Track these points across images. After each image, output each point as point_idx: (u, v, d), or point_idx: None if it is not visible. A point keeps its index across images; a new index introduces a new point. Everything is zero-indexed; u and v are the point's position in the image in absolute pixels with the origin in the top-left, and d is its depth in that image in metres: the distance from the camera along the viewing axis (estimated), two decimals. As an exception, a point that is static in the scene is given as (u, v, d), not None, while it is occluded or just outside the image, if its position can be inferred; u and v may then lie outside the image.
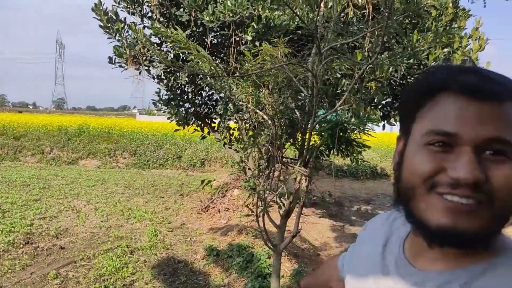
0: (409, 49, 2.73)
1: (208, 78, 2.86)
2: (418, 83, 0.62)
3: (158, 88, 5.22)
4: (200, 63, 2.45)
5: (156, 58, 4.70)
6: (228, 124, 5.55)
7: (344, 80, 3.37)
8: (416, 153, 0.59)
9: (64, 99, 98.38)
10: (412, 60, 3.68)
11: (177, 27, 3.58)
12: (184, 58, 4.67)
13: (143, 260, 4.07)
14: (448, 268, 0.59)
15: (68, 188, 7.42)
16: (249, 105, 2.40)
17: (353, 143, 2.34)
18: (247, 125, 4.95)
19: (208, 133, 5.50)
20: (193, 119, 5.41)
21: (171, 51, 4.74)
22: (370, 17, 3.16)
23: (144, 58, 4.75)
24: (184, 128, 5.42)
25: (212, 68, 2.41)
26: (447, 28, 3.85)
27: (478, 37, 4.88)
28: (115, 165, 11.94)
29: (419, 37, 3.04)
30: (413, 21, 3.55)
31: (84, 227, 4.98)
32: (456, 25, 4.38)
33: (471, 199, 0.53)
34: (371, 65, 2.19)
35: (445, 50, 4.26)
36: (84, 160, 11.90)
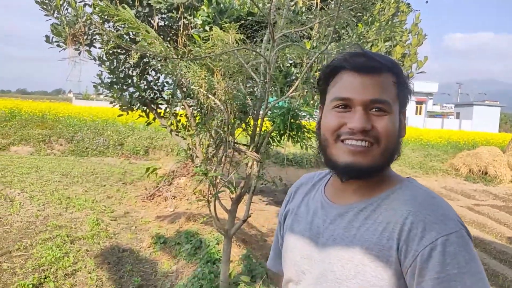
0: (356, 39, 2.83)
1: (159, 61, 2.78)
2: (327, 67, 0.87)
3: (99, 70, 4.96)
4: (151, 44, 2.36)
5: (99, 38, 4.45)
6: (175, 110, 5.42)
7: (293, 68, 3.43)
8: (327, 115, 0.84)
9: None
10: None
11: (124, 6, 3.42)
12: (129, 39, 4.48)
13: (85, 250, 3.90)
14: (362, 199, 0.84)
15: (-2, 175, 6.88)
16: (201, 90, 2.37)
17: (304, 129, 2.40)
18: (195, 112, 4.87)
19: (154, 119, 5.34)
20: (138, 104, 5.21)
21: (115, 31, 4.52)
22: (319, 8, 3.23)
23: (85, 37, 4.48)
24: (128, 113, 5.22)
25: (164, 49, 2.34)
26: (390, 22, 4.03)
27: (417, 33, 5.18)
28: (50, 152, 11.25)
29: (363, 30, 3.16)
30: (358, 14, 3.68)
31: (19, 216, 4.65)
32: (397, 20, 4.62)
33: (363, 142, 0.78)
34: (320, 54, 2.24)
35: (387, 43, 4.49)
36: (15, 147, 11.08)
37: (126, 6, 3.92)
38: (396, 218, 0.76)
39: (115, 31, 4.49)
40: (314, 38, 3.21)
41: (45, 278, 3.20)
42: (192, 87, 2.43)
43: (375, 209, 0.81)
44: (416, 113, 34.98)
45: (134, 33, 3.00)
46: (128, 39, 4.35)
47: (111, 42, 3.68)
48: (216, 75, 2.40)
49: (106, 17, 4.04)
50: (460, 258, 0.70)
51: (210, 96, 2.38)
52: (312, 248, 0.86)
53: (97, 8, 3.14)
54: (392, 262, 0.74)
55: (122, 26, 2.84)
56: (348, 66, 0.81)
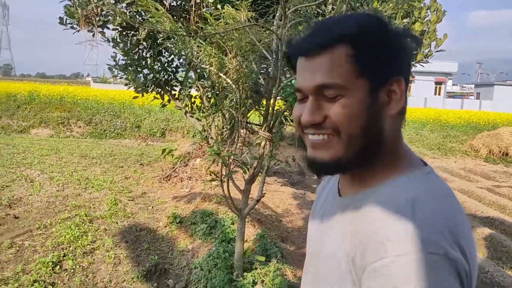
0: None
1: (169, 40, 2.75)
2: (287, 57, 0.76)
3: (114, 52, 4.96)
4: (160, 22, 2.34)
5: (111, 18, 4.44)
6: (189, 92, 5.42)
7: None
8: (294, 107, 0.74)
9: (11, 65, 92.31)
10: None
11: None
12: (142, 19, 4.45)
13: (103, 229, 3.99)
14: (358, 191, 0.71)
15: (20, 157, 7.06)
16: (212, 69, 2.34)
17: (317, 108, 2.36)
18: (209, 93, 4.85)
19: (169, 101, 5.35)
20: (152, 86, 5.22)
21: (127, 12, 4.50)
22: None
23: (97, 18, 4.47)
24: (143, 95, 5.22)
25: (174, 27, 2.31)
26: (408, -4, 3.89)
27: (436, 9, 4.99)
28: (69, 134, 11.46)
29: (378, 5, 3.05)
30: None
31: (39, 197, 4.78)
32: (416, -5, 4.44)
33: (320, 135, 0.68)
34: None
35: (405, 20, 4.34)
36: (35, 129, 11.32)
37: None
38: (356, 227, 0.66)
39: (127, 12, 4.46)
40: (330, 14, 3.12)
41: (64, 256, 3.29)
42: (203, 66, 2.41)
43: (354, 210, 0.69)
44: (435, 94, 34.17)
45: (145, 13, 2.97)
46: (141, 20, 4.33)
47: (118, 18, 3.64)
48: (227, 53, 2.36)
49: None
50: None
51: (221, 75, 2.35)
52: (318, 238, 0.81)
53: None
54: (350, 272, 0.64)
55: (133, 4, 2.81)
56: (292, 51, 0.72)
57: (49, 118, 11.79)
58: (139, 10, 3.59)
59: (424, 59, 4.64)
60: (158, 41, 4.74)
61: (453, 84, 44.90)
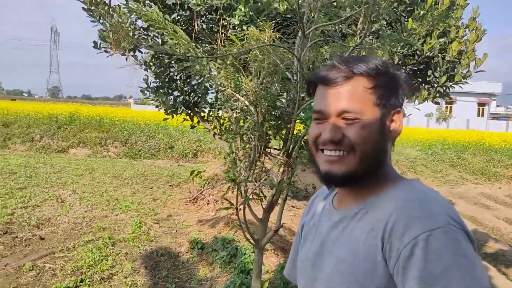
0: (402, 33, 2.57)
1: (182, 60, 2.70)
2: (307, 83, 0.94)
3: (145, 75, 5.03)
4: (178, 43, 2.28)
5: (144, 43, 4.51)
6: (218, 113, 5.37)
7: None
8: (311, 126, 0.89)
9: (59, 88, 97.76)
10: (406, 49, 3.52)
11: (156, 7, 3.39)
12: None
13: (125, 253, 3.93)
14: (358, 202, 0.84)
15: (55, 177, 7.25)
16: (228, 90, 2.24)
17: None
18: (238, 115, 4.78)
19: (198, 122, 5.34)
20: (182, 107, 5.23)
21: (159, 36, 4.56)
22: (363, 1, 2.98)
23: (128, 43, 4.55)
24: (173, 117, 5.25)
25: (190, 49, 2.24)
26: (443, 13, 3.68)
27: (475, 28, 4.71)
28: (106, 154, 11.76)
29: (413, 25, 2.88)
30: (408, 8, 3.39)
31: (67, 217, 4.82)
32: (452, 15, 4.21)
33: (337, 151, 0.81)
34: (358, 49, 2.04)
35: (441, 40, 4.11)
36: (74, 149, 11.71)
37: (164, 10, 3.91)
38: (382, 216, 0.76)
39: (159, 36, 4.52)
40: (360, 34, 2.98)
41: (81, 281, 3.24)
42: (220, 87, 2.32)
43: (368, 211, 0.81)
44: (478, 115, 32.71)
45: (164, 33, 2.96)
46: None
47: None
48: (246, 75, 2.26)
49: (147, 22, 4.06)
50: (445, 255, 0.67)
51: (238, 97, 2.25)
52: (320, 256, 0.88)
53: (125, 9, 3.13)
54: (379, 261, 0.74)
55: (152, 26, 2.80)
56: (318, 80, 0.86)
57: (88, 138, 12.18)
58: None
59: (462, 80, 4.35)
60: (187, 64, 4.75)
61: (497, 105, 42.92)
